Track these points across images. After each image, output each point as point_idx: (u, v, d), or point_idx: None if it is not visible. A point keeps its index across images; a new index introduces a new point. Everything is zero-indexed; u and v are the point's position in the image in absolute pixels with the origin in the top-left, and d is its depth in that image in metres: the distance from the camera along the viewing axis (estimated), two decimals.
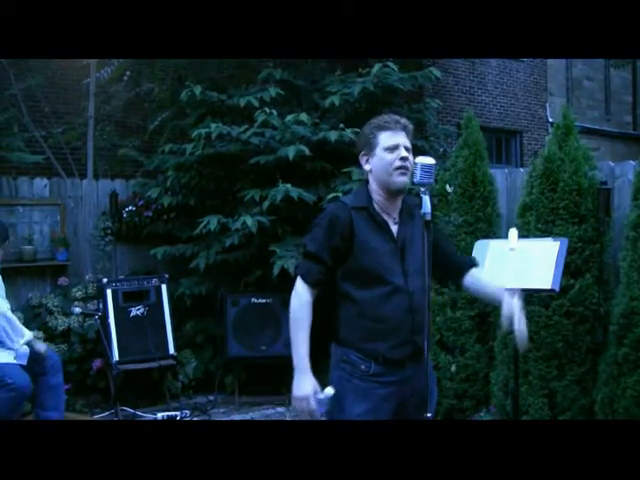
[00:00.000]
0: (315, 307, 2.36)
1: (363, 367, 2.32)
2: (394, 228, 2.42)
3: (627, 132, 15.07)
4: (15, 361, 4.22)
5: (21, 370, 4.18)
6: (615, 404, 3.85)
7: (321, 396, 2.20)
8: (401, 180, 2.38)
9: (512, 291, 2.41)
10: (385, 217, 2.42)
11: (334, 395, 2.22)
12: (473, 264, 2.62)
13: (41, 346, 4.43)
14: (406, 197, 2.50)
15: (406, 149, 2.40)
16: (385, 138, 2.40)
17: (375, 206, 2.42)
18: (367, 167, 2.45)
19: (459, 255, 2.73)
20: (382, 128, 2.41)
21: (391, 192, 2.41)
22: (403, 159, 2.37)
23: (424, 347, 2.27)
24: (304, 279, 2.36)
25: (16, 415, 4.16)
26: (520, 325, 2.26)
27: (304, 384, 2.23)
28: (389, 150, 2.38)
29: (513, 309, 2.30)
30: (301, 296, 2.35)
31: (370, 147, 2.42)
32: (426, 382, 2.23)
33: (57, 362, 4.50)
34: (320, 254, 2.36)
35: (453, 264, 2.57)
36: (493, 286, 2.54)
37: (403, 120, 2.46)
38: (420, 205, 2.32)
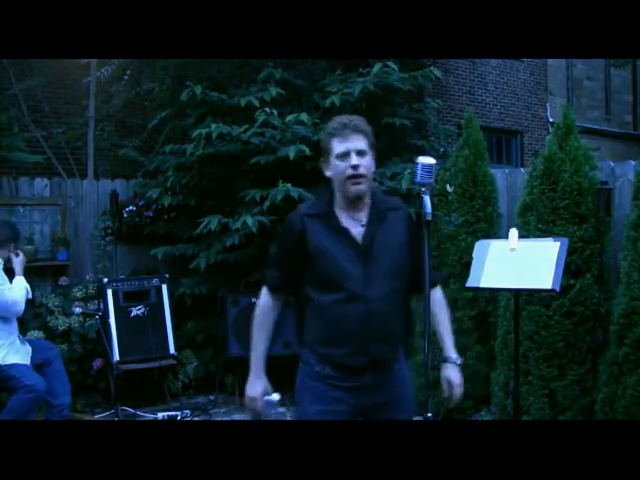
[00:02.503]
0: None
1: (317, 369, 2.32)
2: (359, 232, 2.33)
3: (627, 132, 15.07)
4: (24, 361, 4.30)
5: (33, 370, 4.28)
6: (615, 404, 3.84)
7: (269, 398, 2.29)
8: (354, 189, 2.29)
9: (454, 359, 2.43)
10: (348, 221, 2.33)
11: (296, 394, 2.35)
12: (436, 283, 2.61)
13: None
14: (379, 198, 2.45)
15: (359, 153, 2.29)
16: (336, 145, 2.31)
17: (337, 210, 2.35)
18: (327, 174, 2.38)
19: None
20: (331, 135, 2.33)
21: (347, 197, 2.33)
22: (354, 167, 2.27)
23: (391, 356, 2.35)
24: (264, 284, 2.46)
25: (32, 415, 4.23)
26: (456, 395, 2.37)
27: (255, 385, 2.35)
28: (340, 158, 2.29)
29: (451, 378, 2.39)
30: (262, 300, 2.43)
31: (326, 154, 2.35)
32: (400, 392, 2.35)
33: (54, 348, 4.78)
34: (276, 261, 2.46)
35: (417, 274, 2.41)
36: (441, 330, 2.51)
37: (354, 122, 2.33)
38: (396, 207, 2.39)
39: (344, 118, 2.35)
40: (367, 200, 2.36)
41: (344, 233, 2.32)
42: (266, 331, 2.42)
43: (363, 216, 2.35)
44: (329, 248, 2.29)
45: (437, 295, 2.61)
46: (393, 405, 2.31)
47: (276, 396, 2.32)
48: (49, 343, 4.92)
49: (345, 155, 2.28)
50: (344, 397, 2.26)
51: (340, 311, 2.27)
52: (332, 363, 2.29)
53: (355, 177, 2.27)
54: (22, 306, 4.39)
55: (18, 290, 4.37)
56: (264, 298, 2.44)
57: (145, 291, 5.53)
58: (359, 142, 2.30)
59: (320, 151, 2.41)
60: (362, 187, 2.30)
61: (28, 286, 4.51)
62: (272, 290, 2.44)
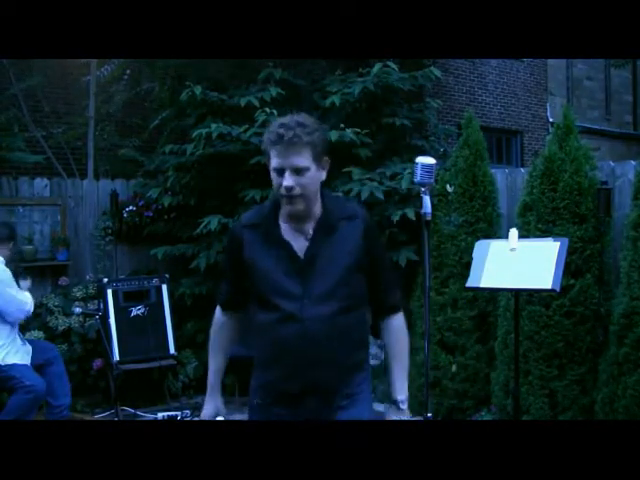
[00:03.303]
0: None
1: (255, 401, 2.15)
2: (302, 246, 2.06)
3: (627, 132, 15.08)
4: (25, 362, 4.31)
5: (34, 371, 4.29)
6: (615, 404, 3.85)
7: (220, 419, 2.22)
8: (290, 208, 2.03)
9: (401, 403, 2.18)
10: (292, 234, 2.08)
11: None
12: (395, 308, 2.29)
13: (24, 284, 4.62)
14: (331, 207, 2.12)
15: (296, 171, 1.99)
16: (271, 156, 2.03)
17: (281, 221, 2.09)
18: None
19: (387, 288, 2.26)
20: (269, 142, 2.03)
21: (289, 213, 2.07)
22: (287, 189, 1.99)
23: (336, 382, 2.06)
24: (218, 301, 2.30)
25: (32, 415, 4.24)
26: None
27: (207, 406, 2.25)
28: (275, 172, 2.03)
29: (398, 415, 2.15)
30: (215, 318, 2.29)
31: (267, 162, 2.07)
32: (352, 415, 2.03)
33: (55, 349, 4.79)
34: (224, 275, 2.28)
35: (373, 296, 2.21)
36: (395, 366, 2.25)
37: (294, 131, 1.98)
38: (351, 216, 2.10)
39: (285, 124, 2.00)
40: (316, 211, 2.08)
41: (284, 246, 2.06)
42: (219, 351, 2.29)
43: (310, 228, 2.08)
44: (265, 262, 2.06)
45: (396, 322, 2.31)
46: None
47: (221, 418, 2.23)
48: (50, 344, 4.94)
49: (280, 171, 2.01)
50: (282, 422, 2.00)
51: (274, 332, 2.06)
52: (268, 389, 2.11)
53: (289, 197, 2.00)
54: (28, 310, 4.43)
55: (25, 296, 4.44)
56: (216, 315, 2.29)
57: (145, 291, 5.53)
58: (297, 158, 1.98)
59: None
60: (298, 207, 2.02)
61: (32, 301, 4.53)
62: (222, 306, 2.28)
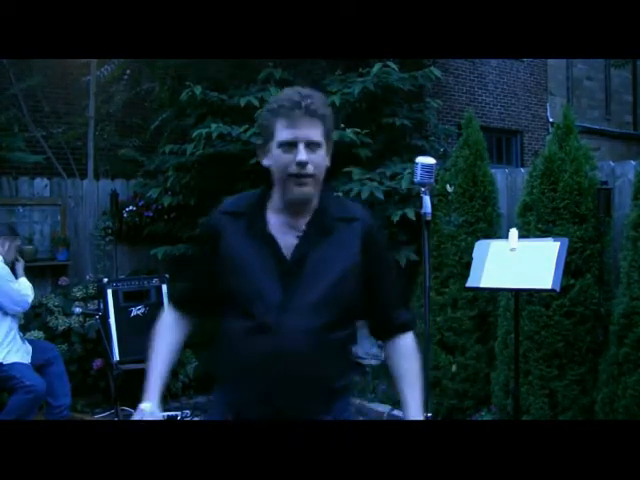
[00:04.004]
0: None
1: (220, 404, 1.86)
2: (291, 244, 1.76)
3: (627, 132, 15.08)
4: (25, 361, 4.32)
5: (34, 371, 4.30)
6: (615, 404, 3.85)
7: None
8: (298, 191, 1.73)
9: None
10: (281, 228, 1.78)
11: None
12: (405, 327, 1.92)
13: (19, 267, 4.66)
14: (328, 203, 1.84)
15: (310, 145, 1.72)
16: (279, 129, 1.73)
17: (269, 211, 1.80)
18: (265, 163, 1.80)
19: (394, 303, 1.93)
20: (277, 113, 1.74)
21: (285, 201, 1.78)
22: (300, 164, 1.70)
23: (309, 411, 1.76)
24: (170, 300, 2.04)
25: (32, 416, 4.25)
26: None
27: (141, 406, 1.80)
28: (284, 148, 1.72)
29: None
30: (163, 316, 1.97)
31: (266, 138, 1.78)
32: None
33: (55, 349, 4.81)
34: (187, 270, 1.99)
35: (376, 312, 1.91)
36: (408, 392, 1.87)
37: (310, 100, 1.74)
38: (351, 217, 1.83)
39: (296, 92, 1.76)
40: (313, 205, 1.80)
41: (269, 242, 1.76)
42: (161, 352, 1.88)
43: (303, 224, 1.79)
44: (244, 259, 1.75)
45: (407, 343, 1.92)
46: None
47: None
48: (50, 344, 4.94)
49: (291, 145, 1.71)
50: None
51: (243, 345, 1.74)
52: (231, 408, 1.80)
53: (300, 177, 1.71)
54: (30, 299, 4.47)
55: (25, 286, 4.46)
56: (165, 314, 1.96)
57: (145, 291, 5.53)
58: (312, 130, 1.72)
59: (260, 132, 1.83)
60: (308, 190, 1.74)
61: (31, 286, 4.57)
62: (174, 304, 1.97)
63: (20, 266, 4.65)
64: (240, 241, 1.78)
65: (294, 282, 1.74)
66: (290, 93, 1.76)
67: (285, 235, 1.77)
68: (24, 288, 4.47)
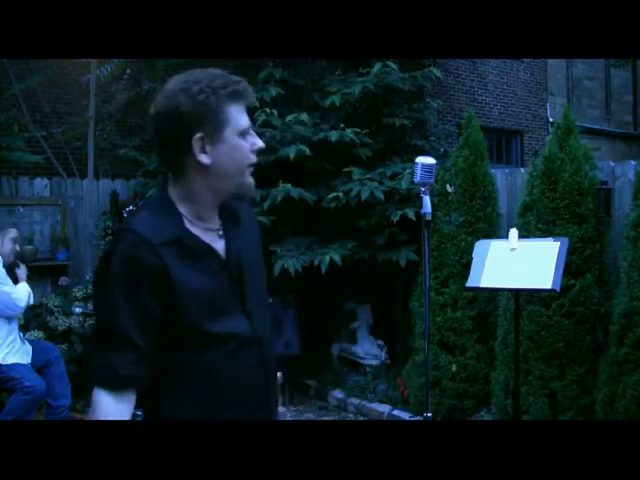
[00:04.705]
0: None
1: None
2: (219, 245, 1.60)
3: (628, 132, 15.09)
4: (25, 361, 4.32)
5: (34, 372, 4.30)
6: (615, 404, 3.85)
7: None
8: (251, 182, 1.60)
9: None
10: (204, 235, 1.58)
11: None
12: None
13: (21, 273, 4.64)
14: None
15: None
16: (238, 115, 1.54)
17: (187, 224, 1.56)
18: (204, 159, 1.51)
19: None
20: (236, 97, 1.53)
21: (225, 197, 1.61)
22: (259, 152, 1.60)
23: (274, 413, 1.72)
24: (103, 383, 1.53)
25: (32, 416, 4.25)
26: None
27: None
28: (244, 136, 1.56)
29: None
30: (101, 408, 1.54)
31: (215, 126, 1.51)
32: None
33: (56, 350, 4.79)
34: (122, 332, 1.48)
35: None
36: None
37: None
38: (242, 199, 1.71)
39: (227, 74, 1.56)
40: None
41: (211, 254, 1.57)
42: None
43: (216, 221, 1.62)
44: (200, 284, 1.53)
45: None
46: None
47: None
48: (51, 344, 4.93)
49: (248, 132, 1.56)
50: None
51: (234, 367, 1.57)
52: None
53: (254, 166, 1.59)
54: (24, 304, 4.43)
55: (21, 290, 4.43)
56: (105, 405, 1.53)
57: None
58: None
59: (189, 116, 1.49)
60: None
61: (30, 291, 4.55)
62: (117, 385, 1.51)
63: (21, 272, 4.63)
64: (184, 267, 1.51)
65: (241, 285, 1.61)
66: (228, 76, 1.55)
67: (212, 239, 1.59)
68: (18, 292, 4.42)
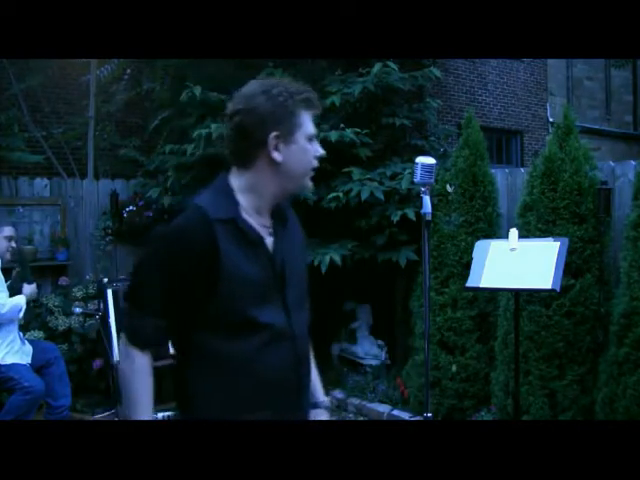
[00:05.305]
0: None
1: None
2: (268, 242, 1.69)
3: (628, 132, 15.09)
4: (24, 362, 4.31)
5: (33, 372, 4.29)
6: (616, 404, 3.84)
7: None
8: (309, 185, 1.74)
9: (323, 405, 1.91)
10: (259, 228, 1.67)
11: None
12: None
13: (27, 289, 4.55)
14: None
15: None
16: (306, 121, 1.67)
17: (243, 213, 1.65)
18: (276, 156, 1.64)
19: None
20: (308, 105, 1.67)
21: (285, 195, 1.74)
22: (320, 159, 1.73)
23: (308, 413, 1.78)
24: (132, 341, 1.66)
25: (31, 416, 4.24)
26: None
27: None
28: (310, 141, 1.69)
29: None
30: (134, 362, 1.66)
31: (289, 127, 1.64)
32: None
33: (56, 350, 4.76)
34: (155, 300, 1.61)
35: None
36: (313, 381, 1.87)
37: None
38: (289, 204, 1.81)
39: (303, 85, 1.70)
40: None
41: (261, 245, 1.66)
42: (148, 400, 1.70)
43: (268, 219, 1.72)
44: (249, 269, 1.61)
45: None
46: None
47: None
48: (51, 344, 4.93)
49: (313, 139, 1.69)
50: None
51: (268, 359, 1.62)
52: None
53: (314, 170, 1.72)
54: (7, 315, 4.28)
55: (11, 300, 4.33)
56: (136, 358, 1.66)
57: None
58: None
59: (263, 116, 1.62)
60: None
61: (24, 308, 4.46)
62: (147, 347, 1.67)
63: (27, 289, 4.55)
64: (238, 251, 1.60)
65: (286, 282, 1.69)
66: (300, 85, 1.69)
67: (264, 235, 1.68)
68: (8, 302, 4.28)
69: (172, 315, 1.62)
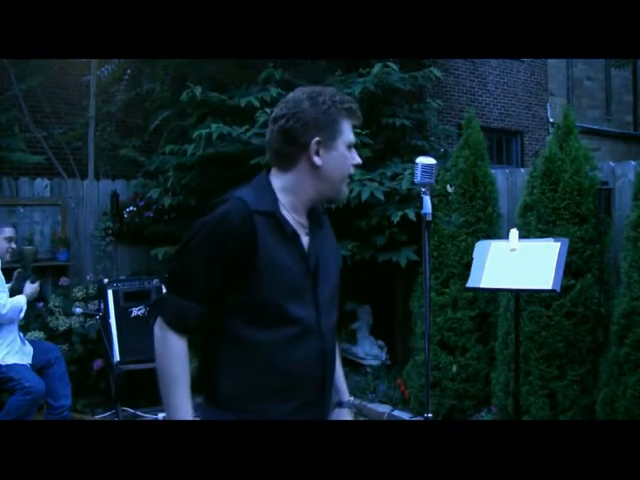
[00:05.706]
0: None
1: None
2: (305, 242, 1.75)
3: (628, 132, 15.08)
4: (24, 362, 4.31)
5: (33, 372, 4.28)
6: (616, 404, 3.84)
7: None
8: (345, 191, 1.81)
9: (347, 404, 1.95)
10: (297, 227, 1.74)
11: None
12: None
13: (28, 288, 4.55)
14: None
15: None
16: (347, 130, 1.75)
17: (282, 210, 1.73)
18: (317, 160, 1.72)
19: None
20: (350, 114, 1.76)
21: (321, 199, 1.80)
22: (357, 167, 1.80)
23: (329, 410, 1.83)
24: (173, 326, 1.68)
25: (31, 416, 4.24)
26: None
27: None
28: (349, 148, 1.77)
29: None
30: (173, 346, 1.69)
31: (330, 134, 1.72)
32: None
33: (57, 350, 4.75)
34: (196, 285, 1.66)
35: None
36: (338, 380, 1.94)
37: None
38: (324, 210, 1.89)
39: (342, 93, 1.80)
40: None
41: (296, 241, 1.73)
42: (188, 386, 1.78)
43: (305, 220, 1.79)
44: (284, 262, 1.68)
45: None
46: None
47: None
48: (52, 345, 4.92)
49: (351, 147, 1.77)
50: None
51: (292, 352, 1.68)
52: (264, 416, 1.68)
53: (350, 178, 1.80)
54: (5, 311, 4.26)
55: (10, 304, 4.31)
56: (176, 344, 1.69)
57: (146, 291, 5.54)
58: None
59: (312, 124, 1.71)
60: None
61: (24, 308, 4.45)
62: (187, 332, 1.71)
63: (28, 288, 4.54)
64: (275, 243, 1.67)
65: (318, 281, 1.75)
66: (345, 96, 1.78)
67: (301, 233, 1.75)
68: (9, 302, 4.27)
69: (212, 301, 1.67)
